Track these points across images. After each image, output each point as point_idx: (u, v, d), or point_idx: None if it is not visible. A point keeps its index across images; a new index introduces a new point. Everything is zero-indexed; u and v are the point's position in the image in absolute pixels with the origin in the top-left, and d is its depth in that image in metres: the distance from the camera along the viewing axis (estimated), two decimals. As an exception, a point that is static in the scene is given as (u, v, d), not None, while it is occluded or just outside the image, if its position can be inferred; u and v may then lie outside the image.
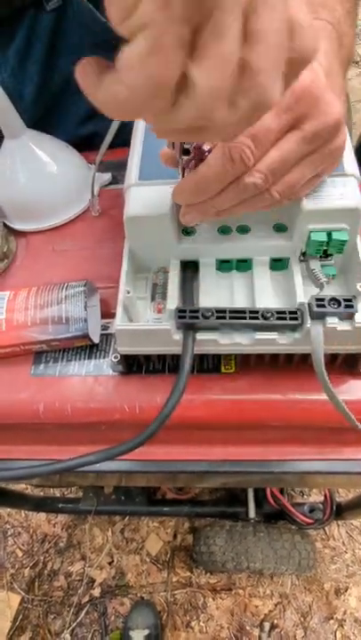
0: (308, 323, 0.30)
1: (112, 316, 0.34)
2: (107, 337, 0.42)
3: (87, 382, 0.40)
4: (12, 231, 0.50)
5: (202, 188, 0.27)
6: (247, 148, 0.24)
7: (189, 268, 0.36)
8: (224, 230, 0.35)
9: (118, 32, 0.16)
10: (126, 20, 0.15)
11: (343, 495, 1.02)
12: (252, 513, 0.91)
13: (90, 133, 0.61)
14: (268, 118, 0.24)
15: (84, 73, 0.17)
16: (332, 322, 0.30)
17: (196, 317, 0.31)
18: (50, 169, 0.48)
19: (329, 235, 0.31)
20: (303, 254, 0.34)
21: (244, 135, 0.24)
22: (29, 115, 0.57)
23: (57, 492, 1.13)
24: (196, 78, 0.16)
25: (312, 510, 0.89)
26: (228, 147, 0.24)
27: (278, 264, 0.35)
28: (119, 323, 0.33)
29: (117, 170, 0.53)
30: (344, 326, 0.30)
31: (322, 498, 0.89)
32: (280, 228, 0.34)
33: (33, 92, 0.55)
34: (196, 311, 0.31)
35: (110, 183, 0.53)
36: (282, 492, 0.90)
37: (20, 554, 1.12)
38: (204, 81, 0.16)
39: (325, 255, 0.33)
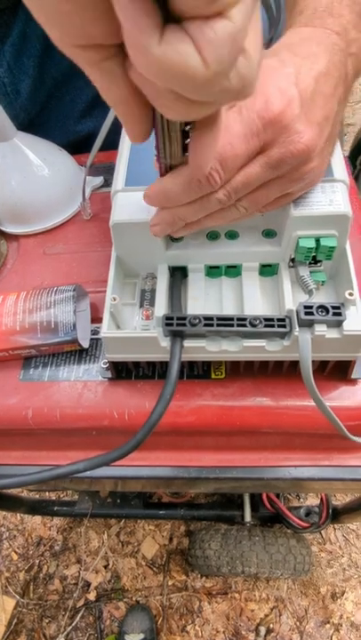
0: (297, 330, 0.30)
1: (102, 320, 0.34)
2: (96, 341, 0.42)
3: (76, 388, 0.40)
4: (2, 234, 0.50)
5: (167, 199, 0.27)
6: (215, 173, 0.25)
7: (178, 274, 0.36)
8: (213, 236, 0.34)
9: None
10: None
11: (340, 499, 1.02)
12: (247, 516, 0.91)
13: (88, 132, 0.60)
14: (237, 142, 0.25)
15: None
16: (321, 329, 0.29)
17: (184, 325, 0.30)
18: (41, 172, 0.47)
19: (317, 241, 0.30)
20: (292, 260, 0.33)
21: (214, 158, 0.24)
22: (26, 111, 0.56)
23: (52, 495, 1.12)
24: None
25: (308, 514, 0.88)
26: (195, 168, 0.24)
27: (267, 270, 0.35)
28: (106, 330, 0.33)
29: (109, 173, 0.52)
30: (332, 334, 0.30)
31: (318, 501, 0.88)
32: (269, 234, 0.34)
33: (29, 87, 0.55)
34: (184, 318, 0.31)
35: (102, 186, 0.53)
36: (278, 495, 0.89)
37: (15, 557, 1.11)
38: None
39: (315, 261, 0.33)
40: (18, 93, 0.55)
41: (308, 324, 0.29)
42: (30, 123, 0.58)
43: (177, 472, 0.43)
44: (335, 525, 1.09)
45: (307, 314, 0.29)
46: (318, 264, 0.33)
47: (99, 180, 0.52)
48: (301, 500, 1.09)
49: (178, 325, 0.31)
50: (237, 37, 0.14)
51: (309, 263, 0.33)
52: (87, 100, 0.59)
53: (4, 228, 0.50)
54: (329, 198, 0.30)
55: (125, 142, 0.36)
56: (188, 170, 0.25)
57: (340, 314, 0.29)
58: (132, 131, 0.20)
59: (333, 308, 0.29)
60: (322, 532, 1.08)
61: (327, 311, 0.29)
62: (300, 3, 0.31)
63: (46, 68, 0.54)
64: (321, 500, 0.86)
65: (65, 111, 0.59)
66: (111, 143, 0.38)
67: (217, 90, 0.16)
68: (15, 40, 0.51)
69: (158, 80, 0.15)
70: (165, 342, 0.32)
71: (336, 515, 0.86)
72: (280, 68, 0.26)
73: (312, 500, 1.08)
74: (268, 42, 0.39)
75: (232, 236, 0.34)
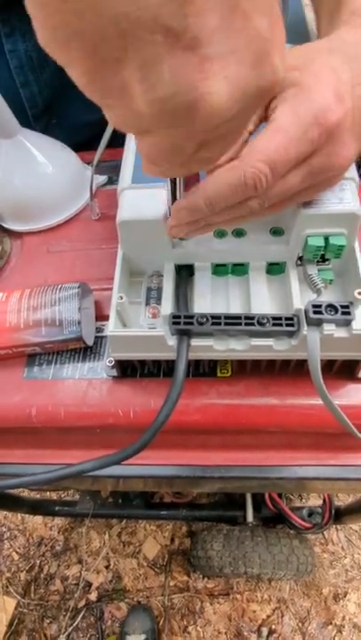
0: (305, 329, 0.29)
1: (107, 317, 0.34)
2: (101, 339, 0.41)
3: (81, 386, 0.39)
4: (6, 231, 0.50)
5: (207, 207, 0.26)
6: (264, 177, 0.23)
7: (184, 272, 0.36)
8: (220, 234, 0.34)
9: None
10: None
11: (342, 499, 1.01)
12: (250, 517, 0.90)
13: (102, 118, 0.61)
14: (291, 146, 0.23)
15: None
16: (329, 328, 0.29)
17: (191, 323, 0.30)
18: (45, 169, 0.47)
19: (326, 239, 0.30)
20: (300, 258, 0.33)
21: (263, 161, 0.23)
22: (50, 87, 0.57)
23: (53, 495, 1.12)
24: None
25: (311, 514, 0.88)
26: (243, 170, 0.23)
27: (275, 268, 0.35)
28: (112, 329, 0.32)
29: (113, 171, 0.52)
30: (341, 333, 0.30)
31: (321, 502, 0.88)
32: (277, 232, 0.34)
33: (55, 62, 0.55)
34: (191, 317, 0.30)
35: (106, 183, 0.52)
36: (280, 495, 0.89)
37: (16, 557, 1.11)
38: None
39: (323, 259, 0.33)
40: (44, 69, 0.55)
41: (317, 323, 0.29)
42: (52, 100, 0.58)
43: (181, 471, 0.42)
44: (338, 526, 1.09)
45: (315, 313, 0.29)
46: (326, 262, 0.33)
47: (103, 177, 0.52)
48: (304, 500, 1.09)
49: (185, 324, 0.30)
50: None
51: (317, 261, 0.33)
52: None
53: (7, 226, 0.50)
54: (339, 196, 0.29)
55: (132, 139, 0.36)
56: (233, 172, 0.23)
57: (348, 313, 0.29)
58: None
59: (342, 307, 0.29)
60: (324, 532, 1.07)
61: (336, 310, 0.29)
62: (351, 1, 0.30)
63: None
64: (324, 500, 0.86)
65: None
66: (114, 140, 0.38)
67: None
68: None
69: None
70: (172, 341, 0.32)
71: (339, 515, 0.86)
72: (339, 70, 0.25)
73: (314, 501, 1.08)
74: None
75: (239, 233, 0.34)
